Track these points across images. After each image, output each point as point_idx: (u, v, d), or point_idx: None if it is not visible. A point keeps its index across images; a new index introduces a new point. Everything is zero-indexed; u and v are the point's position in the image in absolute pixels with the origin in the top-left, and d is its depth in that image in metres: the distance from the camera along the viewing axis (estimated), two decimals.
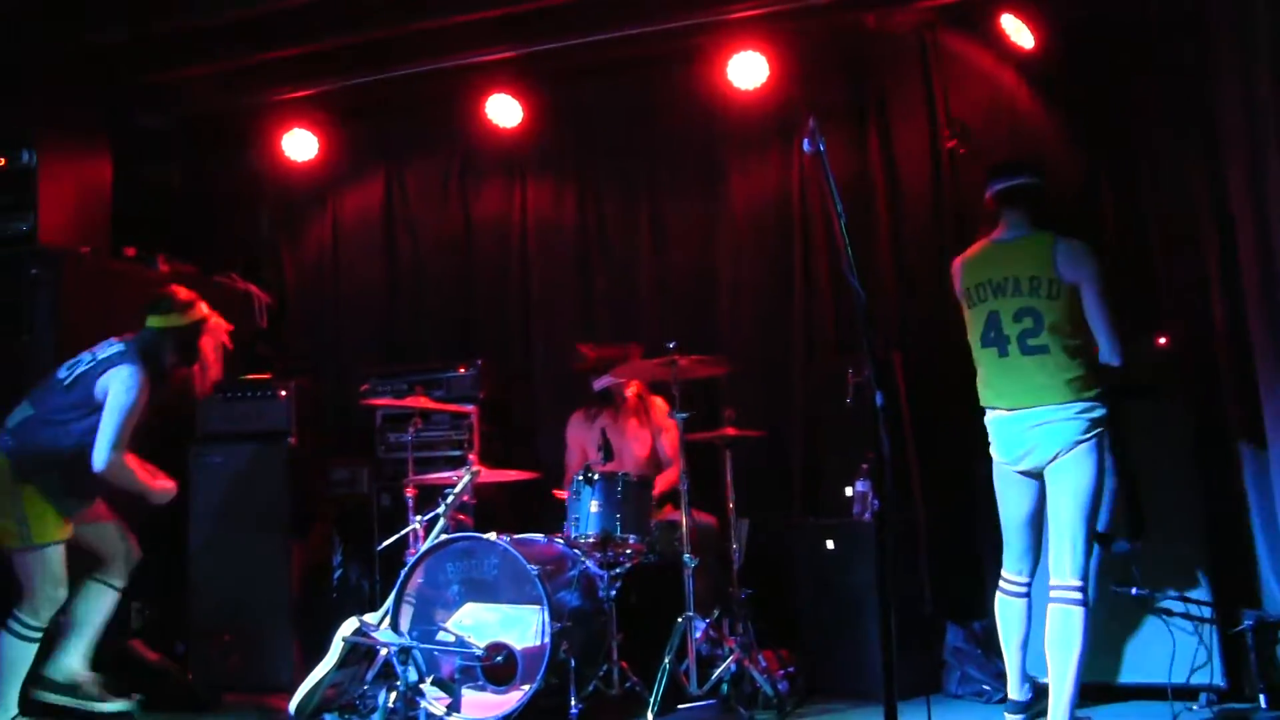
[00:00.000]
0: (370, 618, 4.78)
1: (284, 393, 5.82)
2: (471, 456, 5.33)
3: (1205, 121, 5.09)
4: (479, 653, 4.54)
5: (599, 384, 5.73)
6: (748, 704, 4.69)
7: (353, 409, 6.20)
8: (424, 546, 4.83)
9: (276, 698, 5.16)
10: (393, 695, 4.50)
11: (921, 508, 5.30)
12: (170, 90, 6.52)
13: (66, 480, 4.56)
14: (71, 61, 6.03)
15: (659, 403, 5.85)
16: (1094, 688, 4.56)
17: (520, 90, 6.49)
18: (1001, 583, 4.39)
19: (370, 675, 4.85)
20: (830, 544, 5.17)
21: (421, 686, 4.59)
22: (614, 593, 4.73)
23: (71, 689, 4.76)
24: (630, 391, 5.81)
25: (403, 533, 5.18)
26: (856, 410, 5.20)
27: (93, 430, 4.50)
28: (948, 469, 5.32)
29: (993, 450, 4.36)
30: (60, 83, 6.05)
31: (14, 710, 4.53)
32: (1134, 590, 4.55)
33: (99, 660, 4.90)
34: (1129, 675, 4.65)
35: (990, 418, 4.34)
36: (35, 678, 4.66)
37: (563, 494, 5.44)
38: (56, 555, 4.56)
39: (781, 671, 4.94)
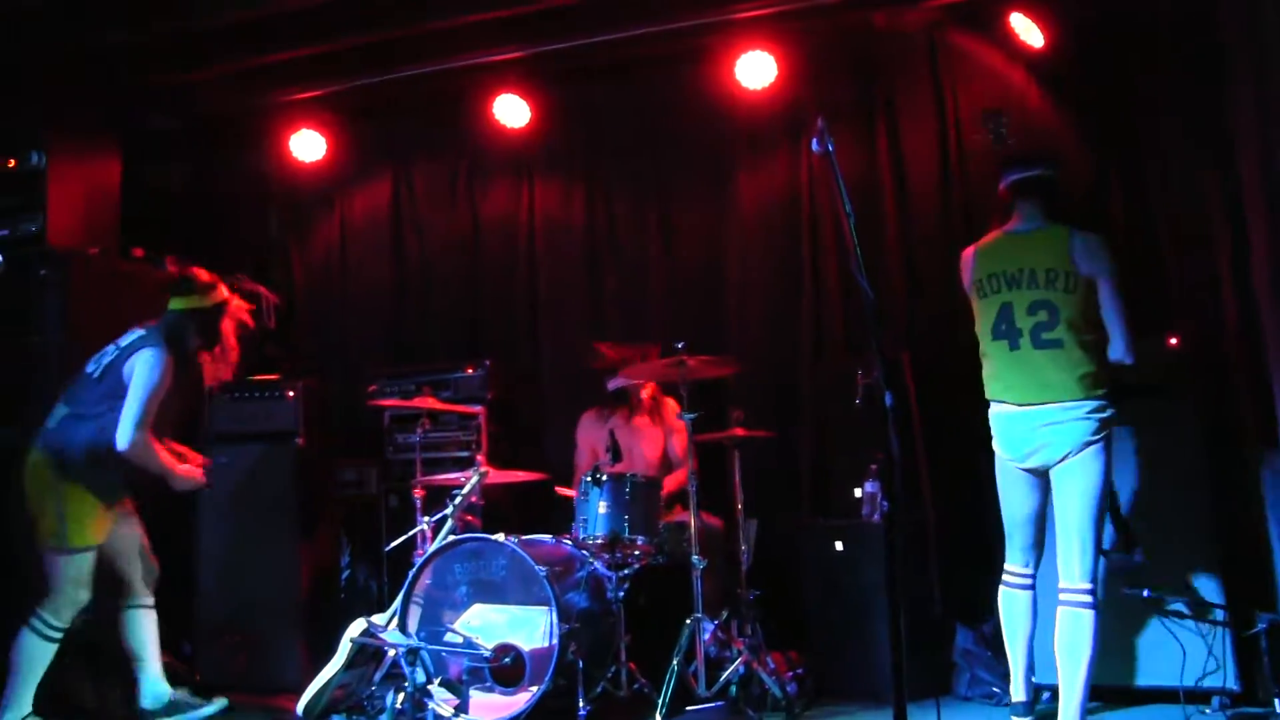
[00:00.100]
0: (378, 618, 4.78)
1: (292, 393, 5.82)
2: (479, 457, 5.33)
3: (1216, 120, 5.07)
4: (487, 654, 4.53)
5: (613, 384, 5.73)
6: (756, 706, 4.68)
7: (361, 409, 6.20)
8: (432, 547, 4.82)
9: (284, 698, 5.15)
10: (400, 696, 4.49)
11: (931, 509, 5.28)
12: (178, 91, 6.52)
13: (108, 470, 4.57)
14: (80, 63, 6.03)
15: (671, 404, 5.84)
16: (1105, 690, 4.54)
17: (528, 90, 6.49)
18: (1005, 575, 4.36)
19: (378, 676, 4.85)
20: (839, 545, 5.16)
21: (429, 687, 4.58)
22: (622, 594, 4.71)
23: (171, 708, 4.82)
24: (645, 393, 5.80)
25: (411, 533, 5.18)
26: (866, 411, 5.18)
27: None
28: (957, 470, 5.30)
29: (997, 446, 4.32)
30: (69, 84, 6.06)
31: (28, 709, 4.54)
32: (1145, 592, 4.53)
33: (105, 662, 4.90)
34: (1141, 678, 4.62)
35: (996, 412, 4.29)
36: (140, 715, 4.76)
37: (567, 490, 5.44)
38: (86, 561, 4.58)
39: (790, 673, 4.93)
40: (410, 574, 4.77)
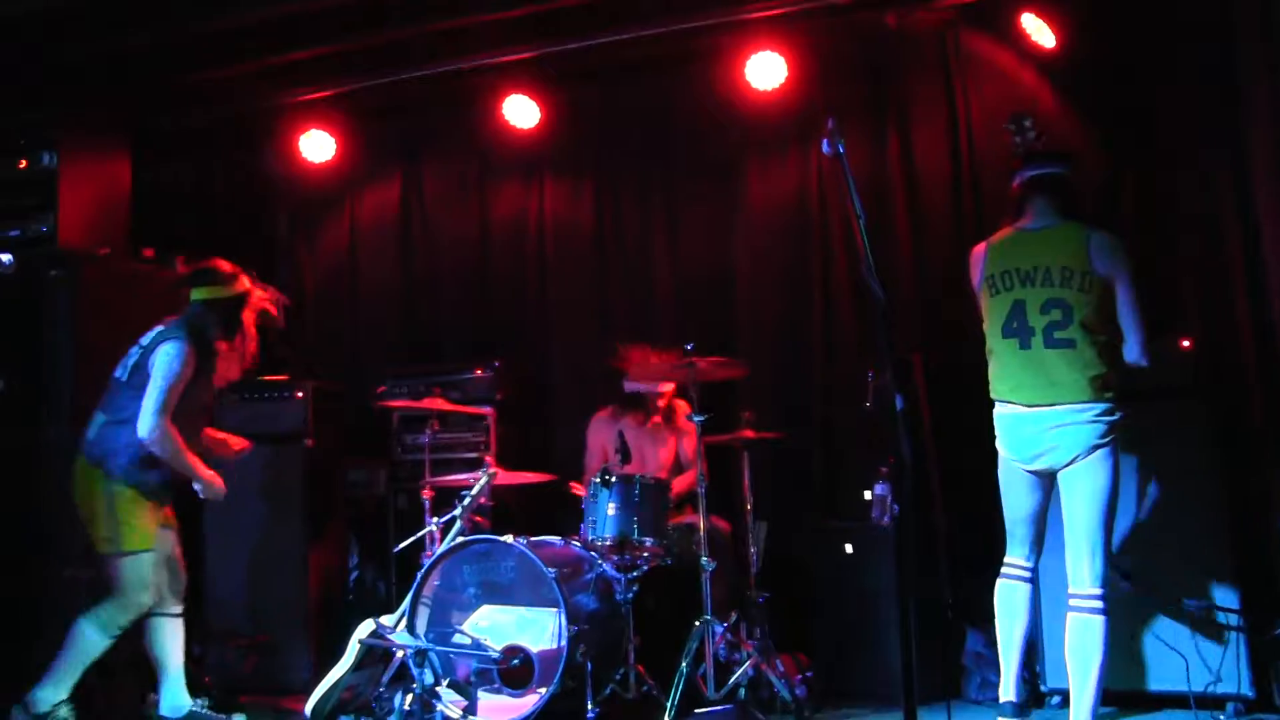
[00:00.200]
0: (386, 620, 4.77)
1: (301, 394, 5.83)
2: (488, 458, 5.32)
3: (1231, 123, 5.04)
4: (495, 655, 4.52)
5: (629, 386, 5.72)
6: (765, 708, 4.67)
7: (370, 410, 6.20)
8: (441, 548, 4.82)
9: (292, 700, 5.16)
10: (409, 698, 4.49)
11: (941, 511, 5.26)
12: (189, 92, 6.54)
13: (152, 471, 4.58)
14: (91, 64, 6.05)
15: (683, 406, 5.83)
16: (1118, 694, 4.52)
17: (538, 91, 6.47)
18: (1003, 568, 4.31)
19: (386, 677, 4.85)
20: (849, 548, 5.14)
21: (438, 689, 4.57)
22: (631, 596, 4.71)
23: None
24: (662, 401, 5.79)
25: (419, 534, 5.18)
26: (876, 413, 5.16)
27: None
28: (967, 472, 5.26)
29: (1002, 446, 4.27)
30: (80, 85, 6.08)
31: (65, 695, 4.54)
32: (1158, 597, 4.50)
33: (114, 664, 4.90)
34: (1153, 683, 4.59)
35: (1003, 412, 4.24)
36: None
37: (579, 488, 5.43)
38: (145, 563, 4.58)
39: (799, 676, 4.91)
40: (419, 575, 4.76)
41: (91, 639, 4.54)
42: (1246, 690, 4.44)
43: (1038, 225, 4.25)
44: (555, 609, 4.50)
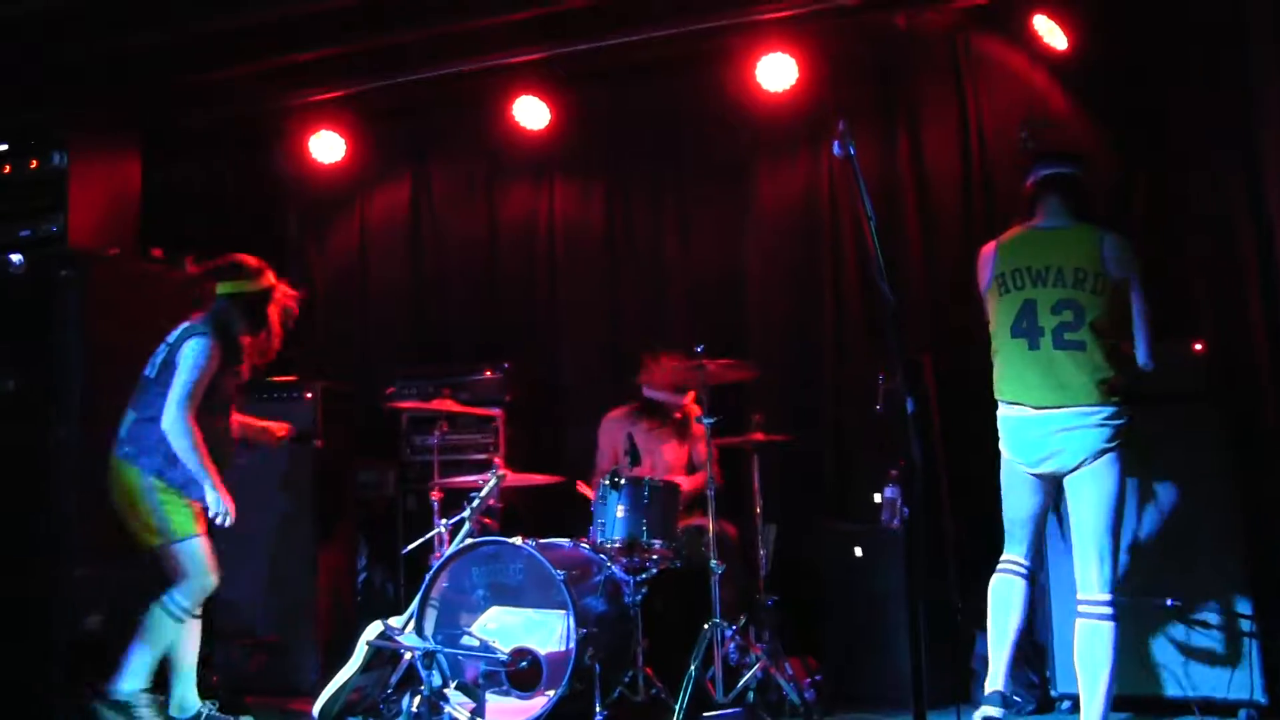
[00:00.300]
0: (395, 621, 4.77)
1: (310, 394, 5.82)
2: (497, 460, 5.31)
3: (1243, 125, 5.02)
4: (504, 658, 4.50)
5: (649, 392, 5.72)
6: (774, 712, 4.66)
7: (379, 411, 6.20)
8: (449, 550, 4.81)
9: (300, 701, 5.15)
10: (417, 700, 4.48)
11: (951, 514, 5.23)
12: (199, 92, 6.54)
13: (184, 466, 4.59)
14: (102, 63, 6.05)
15: (694, 409, 5.82)
16: (1129, 700, 4.49)
17: (548, 92, 6.47)
18: (1001, 563, 4.27)
19: (394, 679, 4.84)
20: (858, 550, 5.13)
21: (446, 691, 4.56)
22: (640, 598, 4.70)
23: None
24: (679, 414, 5.77)
25: (428, 536, 5.17)
26: (887, 415, 5.14)
27: None
28: (978, 475, 5.24)
29: (1005, 448, 4.23)
30: (90, 85, 6.08)
31: (145, 682, 4.56)
32: (1169, 601, 4.48)
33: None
34: (1166, 689, 4.56)
35: (1008, 414, 4.19)
36: None
37: (587, 489, 5.42)
38: (197, 546, 4.60)
39: (808, 679, 4.89)
40: (427, 576, 4.75)
41: (165, 625, 4.56)
42: (1260, 696, 4.41)
43: (1050, 225, 4.22)
44: (564, 611, 4.48)
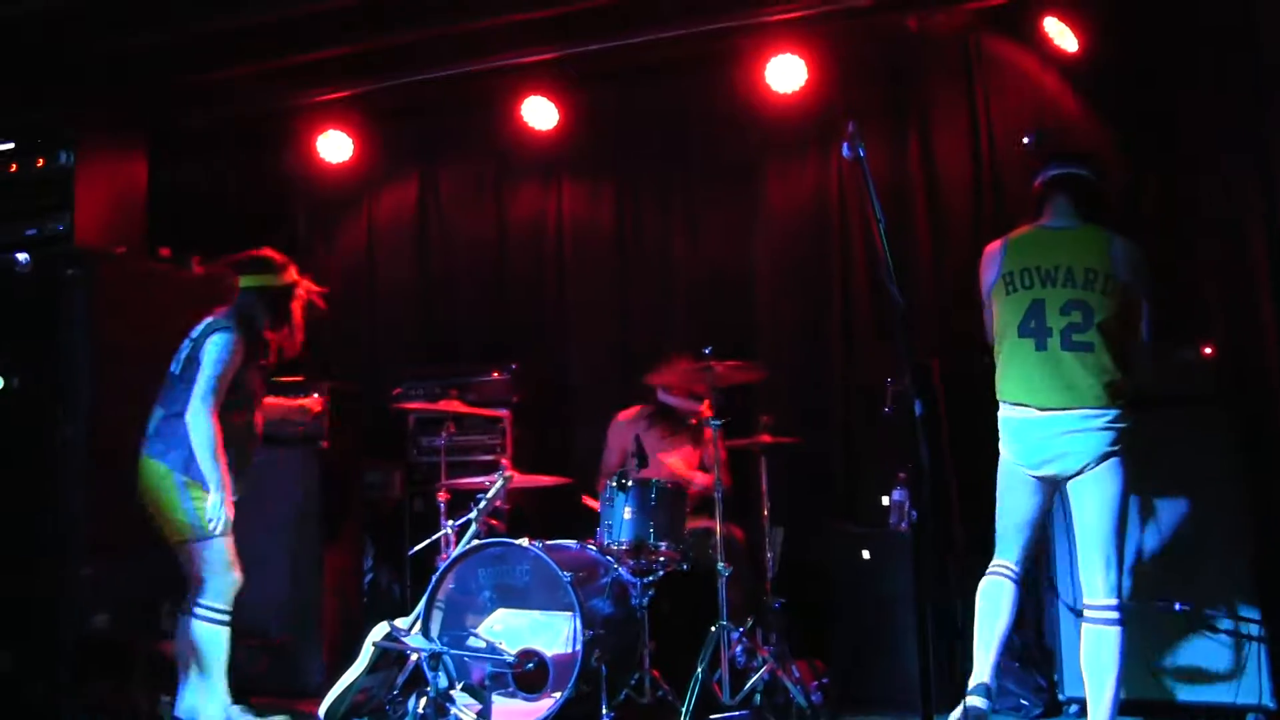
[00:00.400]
0: (401, 622, 4.76)
1: (317, 395, 5.81)
2: (504, 461, 5.30)
3: (1254, 128, 5.00)
4: (510, 659, 4.49)
5: (664, 397, 5.71)
6: (781, 714, 4.64)
7: (386, 412, 6.19)
8: (456, 551, 4.80)
9: (306, 702, 5.14)
10: (423, 701, 4.47)
11: (959, 517, 5.22)
12: (206, 92, 6.54)
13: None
14: (108, 63, 6.06)
15: (703, 410, 5.80)
16: (1136, 704, 4.47)
17: (556, 93, 6.46)
18: (991, 567, 4.22)
19: (400, 681, 4.83)
20: (866, 553, 5.11)
21: (452, 693, 4.55)
22: (646, 600, 4.69)
23: None
24: (694, 420, 5.76)
25: (434, 537, 5.17)
26: (895, 418, 5.12)
27: None
28: (985, 478, 5.22)
29: (1007, 450, 4.18)
30: (97, 84, 6.08)
31: (227, 698, 4.63)
32: (1177, 605, 4.46)
33: (135, 665, 4.91)
34: (1172, 693, 4.54)
35: (1011, 415, 4.14)
36: None
37: (593, 502, 5.41)
38: (227, 543, 4.62)
39: (815, 682, 4.89)
40: (434, 578, 4.74)
41: (208, 632, 4.57)
42: (1268, 701, 4.39)
43: (1058, 224, 4.20)
44: (570, 613, 4.47)
